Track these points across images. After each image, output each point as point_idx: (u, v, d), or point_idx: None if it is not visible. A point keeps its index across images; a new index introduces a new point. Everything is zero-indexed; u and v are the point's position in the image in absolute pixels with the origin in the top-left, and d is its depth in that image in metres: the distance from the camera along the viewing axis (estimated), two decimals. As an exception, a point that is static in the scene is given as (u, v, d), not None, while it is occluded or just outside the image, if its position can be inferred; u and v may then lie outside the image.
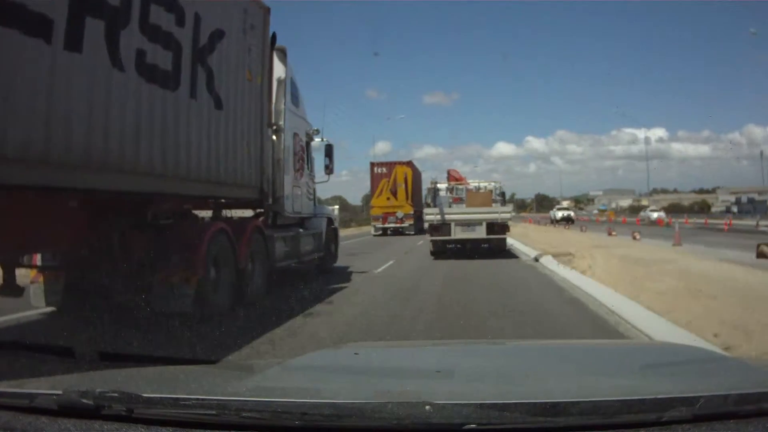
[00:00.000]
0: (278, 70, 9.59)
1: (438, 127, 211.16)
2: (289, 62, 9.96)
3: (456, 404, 1.32)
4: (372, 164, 33.16)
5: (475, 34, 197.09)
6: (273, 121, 9.35)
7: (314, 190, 11.89)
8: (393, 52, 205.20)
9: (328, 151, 12.63)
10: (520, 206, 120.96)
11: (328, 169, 12.60)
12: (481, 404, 1.30)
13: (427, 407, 1.27)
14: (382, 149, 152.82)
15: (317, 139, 12.08)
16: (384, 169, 32.14)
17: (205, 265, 6.49)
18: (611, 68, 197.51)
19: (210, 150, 6.91)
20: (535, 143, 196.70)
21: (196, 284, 6.26)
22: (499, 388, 1.71)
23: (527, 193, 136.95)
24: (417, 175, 33.97)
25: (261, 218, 9.08)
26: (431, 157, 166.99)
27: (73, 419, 1.34)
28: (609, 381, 1.80)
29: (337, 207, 14.07)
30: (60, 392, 1.39)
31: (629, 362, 2.16)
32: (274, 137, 9.29)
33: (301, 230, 10.68)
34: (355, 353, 2.35)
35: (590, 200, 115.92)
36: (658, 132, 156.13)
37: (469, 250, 15.66)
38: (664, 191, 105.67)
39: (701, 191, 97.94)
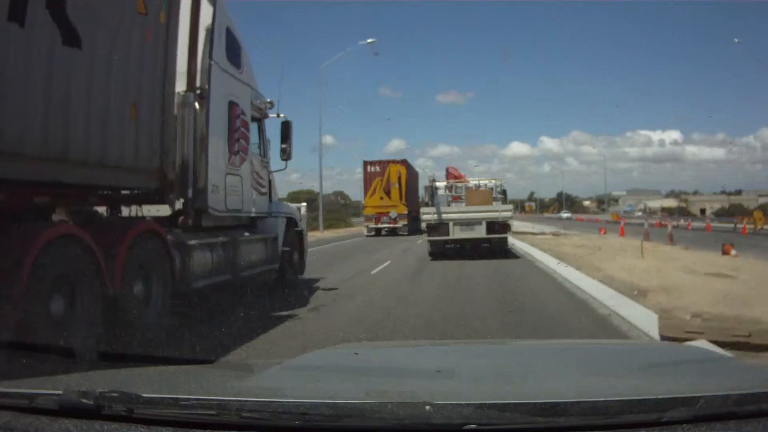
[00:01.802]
0: (206, 15, 7.05)
1: (453, 126, 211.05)
2: (224, 6, 7.44)
3: (456, 404, 1.32)
4: (365, 163, 32.43)
5: (489, 33, 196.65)
6: (199, 83, 6.88)
7: (270, 181, 9.39)
8: (407, 50, 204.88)
9: (285, 130, 9.72)
10: (542, 206, 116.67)
11: (285, 154, 9.74)
12: (481, 404, 1.30)
13: (427, 407, 1.27)
14: (396, 147, 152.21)
15: (272, 115, 9.58)
16: (377, 168, 31.47)
17: (27, 294, 4.05)
18: (627, 70, 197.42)
19: (50, 109, 4.54)
20: (549, 143, 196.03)
21: (15, 324, 3.99)
22: (499, 388, 1.71)
23: (542, 193, 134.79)
24: (412, 174, 33.48)
25: (181, 218, 6.77)
26: (446, 156, 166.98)
27: (73, 419, 1.34)
28: (609, 381, 1.80)
29: (304, 204, 11.21)
30: (60, 392, 1.39)
31: (629, 362, 2.15)
32: (196, 105, 6.82)
33: (246, 234, 8.23)
34: (355, 353, 2.34)
35: (614, 200, 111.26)
36: (673, 134, 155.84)
37: (468, 250, 15.53)
38: (684, 193, 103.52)
39: (724, 193, 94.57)
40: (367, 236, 30.30)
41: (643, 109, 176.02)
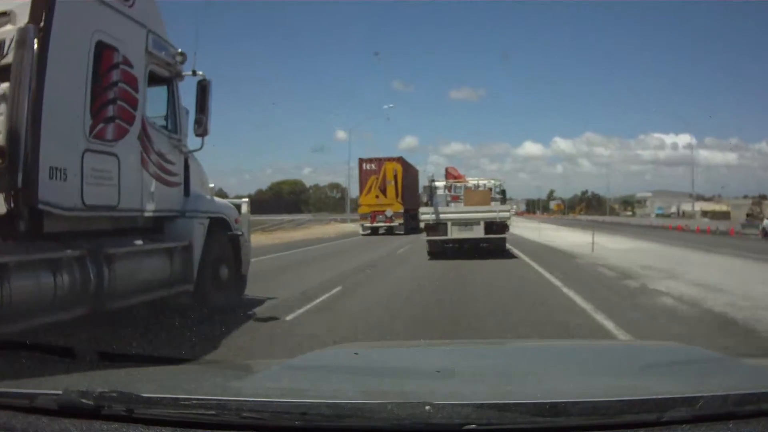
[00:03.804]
0: None
1: (465, 124, 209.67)
2: None
3: (456, 404, 1.32)
4: (361, 160, 32.23)
5: (503, 32, 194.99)
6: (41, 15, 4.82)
7: (188, 166, 6.93)
8: (420, 46, 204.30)
9: (201, 93, 6.88)
10: (571, 206, 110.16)
11: (201, 127, 6.85)
12: (480, 404, 1.30)
13: (427, 407, 1.27)
14: (409, 144, 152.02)
15: (187, 74, 6.88)
16: (373, 166, 31.31)
17: None
18: (641, 72, 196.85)
19: None
20: (562, 144, 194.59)
21: None
22: (499, 388, 1.72)
23: (556, 193, 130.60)
24: (410, 172, 33.30)
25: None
26: (458, 154, 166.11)
27: (73, 419, 1.34)
28: (609, 381, 1.81)
29: (245, 200, 8.82)
30: (60, 392, 1.39)
31: (629, 362, 2.16)
32: (35, 45, 4.67)
33: (138, 242, 5.89)
34: (355, 353, 2.35)
35: (638, 202, 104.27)
36: (686, 138, 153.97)
37: (467, 250, 15.52)
38: (700, 197, 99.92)
39: (746, 198, 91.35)
40: (363, 235, 30.11)
41: (657, 112, 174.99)
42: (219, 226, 7.28)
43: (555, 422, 1.28)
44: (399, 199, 30.38)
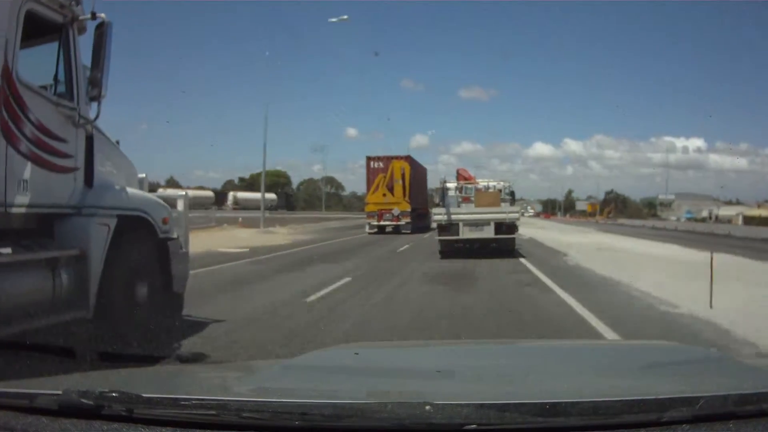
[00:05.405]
0: None
1: (476, 124, 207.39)
2: None
3: (456, 404, 1.32)
4: (368, 158, 31.91)
5: (512, 32, 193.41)
6: None
7: (90, 146, 5.00)
8: (428, 44, 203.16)
9: (98, 41, 4.81)
10: (572, 207, 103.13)
11: (95, 86, 4.82)
12: (481, 404, 1.30)
13: (427, 407, 1.27)
14: (419, 143, 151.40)
15: (86, 18, 4.93)
16: (380, 164, 31.08)
17: None
18: (652, 74, 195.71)
19: None
20: (572, 145, 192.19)
21: None
22: (499, 388, 1.72)
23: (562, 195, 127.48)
24: (418, 171, 33.04)
25: None
26: (469, 154, 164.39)
27: (73, 419, 1.34)
28: (609, 381, 1.81)
29: (182, 194, 7.09)
30: (60, 392, 1.39)
31: (629, 362, 2.16)
32: None
33: (6, 251, 4.21)
34: (355, 353, 2.34)
35: (662, 204, 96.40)
36: (696, 142, 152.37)
37: (477, 249, 15.82)
38: (715, 199, 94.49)
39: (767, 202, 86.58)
40: (369, 233, 29.83)
41: (668, 115, 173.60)
42: (137, 227, 5.38)
43: (555, 422, 1.28)
44: (406, 198, 30.19)
